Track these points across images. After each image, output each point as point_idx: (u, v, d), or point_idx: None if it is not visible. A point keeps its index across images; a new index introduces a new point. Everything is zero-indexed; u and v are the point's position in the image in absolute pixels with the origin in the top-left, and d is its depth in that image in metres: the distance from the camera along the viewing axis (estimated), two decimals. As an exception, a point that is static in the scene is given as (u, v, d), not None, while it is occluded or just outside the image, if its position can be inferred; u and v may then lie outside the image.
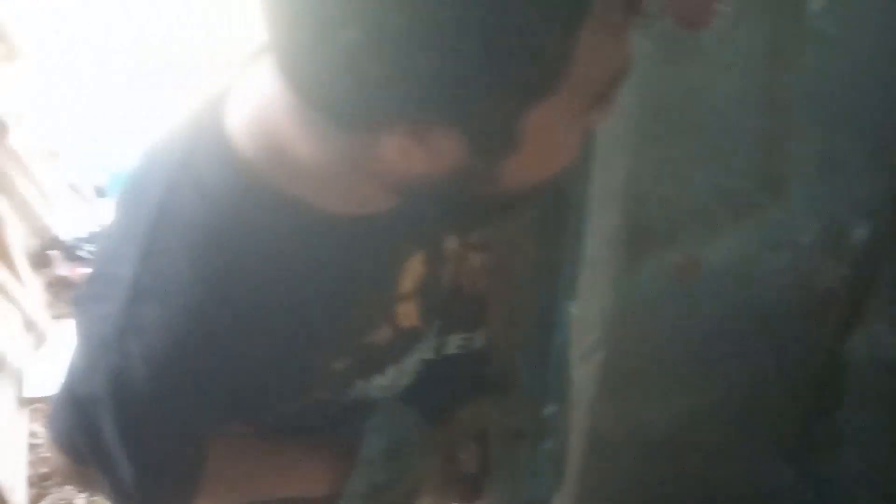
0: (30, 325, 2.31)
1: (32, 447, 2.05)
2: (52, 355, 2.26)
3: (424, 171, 0.44)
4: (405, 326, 0.68)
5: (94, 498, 2.01)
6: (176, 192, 0.53)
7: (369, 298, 0.62)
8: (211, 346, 0.53)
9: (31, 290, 2.32)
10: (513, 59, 0.37)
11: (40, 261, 2.68)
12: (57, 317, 2.48)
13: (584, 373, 0.70)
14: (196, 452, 0.61)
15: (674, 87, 0.57)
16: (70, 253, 2.68)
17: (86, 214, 2.85)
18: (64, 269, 2.64)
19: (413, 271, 0.65)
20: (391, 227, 0.57)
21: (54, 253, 2.68)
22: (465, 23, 0.34)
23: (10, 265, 2.22)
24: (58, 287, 2.63)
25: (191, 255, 0.52)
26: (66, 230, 2.77)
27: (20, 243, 2.61)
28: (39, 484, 2.01)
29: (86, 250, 2.69)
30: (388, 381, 0.71)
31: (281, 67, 0.42)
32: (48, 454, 2.05)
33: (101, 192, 3.09)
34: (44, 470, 2.01)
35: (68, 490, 2.00)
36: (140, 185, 0.58)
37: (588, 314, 0.65)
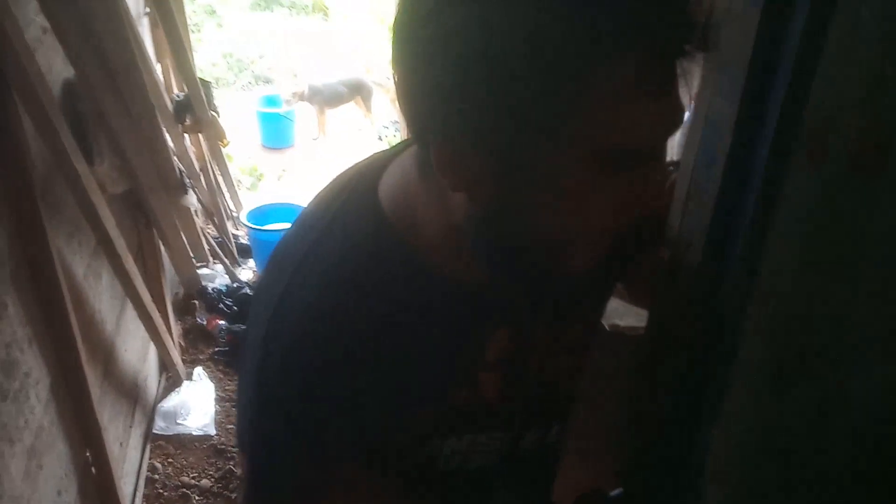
0: (167, 367, 2.51)
1: (149, 481, 2.19)
2: (183, 398, 2.44)
3: (465, 196, 0.53)
4: (485, 395, 0.70)
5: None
6: (326, 236, 0.61)
7: (459, 357, 0.66)
8: (328, 364, 0.59)
9: (173, 336, 2.54)
10: (524, 100, 0.46)
11: (183, 309, 2.95)
12: (191, 362, 2.69)
13: (715, 498, 0.69)
14: (316, 472, 0.63)
15: (839, 219, 0.58)
16: (211, 304, 2.92)
17: (229, 270, 3.12)
18: (203, 319, 2.88)
19: (499, 343, 0.68)
20: (483, 295, 0.63)
21: (197, 303, 2.94)
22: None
23: (161, 310, 2.46)
24: (195, 335, 2.86)
25: (327, 280, 0.59)
26: (210, 283, 3.04)
27: (170, 291, 2.89)
28: (152, 518, 2.14)
29: (225, 303, 2.92)
30: (462, 446, 0.73)
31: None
32: (163, 490, 2.20)
33: (244, 252, 3.40)
34: (157, 505, 2.14)
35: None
36: (294, 237, 0.65)
37: (726, 439, 0.65)
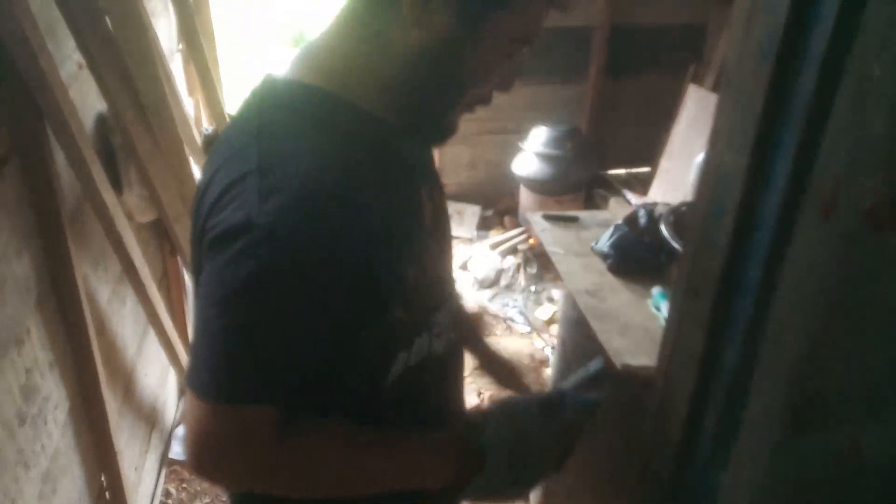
0: (185, 392, 2.54)
1: (163, 506, 2.20)
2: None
3: (424, 36, 0.66)
4: (428, 267, 0.78)
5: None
6: (271, 117, 0.68)
7: (413, 221, 0.76)
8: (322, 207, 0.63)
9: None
10: None
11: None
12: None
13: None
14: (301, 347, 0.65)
15: (851, 274, 0.58)
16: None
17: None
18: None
19: (426, 203, 0.79)
20: (407, 131, 0.74)
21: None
22: None
23: (183, 335, 2.49)
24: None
25: (300, 136, 0.67)
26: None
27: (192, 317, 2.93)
28: (162, 544, 2.14)
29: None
30: (430, 331, 0.80)
31: None
32: (175, 517, 2.20)
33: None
34: (168, 531, 2.13)
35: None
36: (234, 127, 0.72)
37: (738, 486, 0.64)
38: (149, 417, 2.19)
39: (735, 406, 0.65)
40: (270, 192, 0.61)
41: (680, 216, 1.78)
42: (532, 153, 3.39)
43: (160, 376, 2.33)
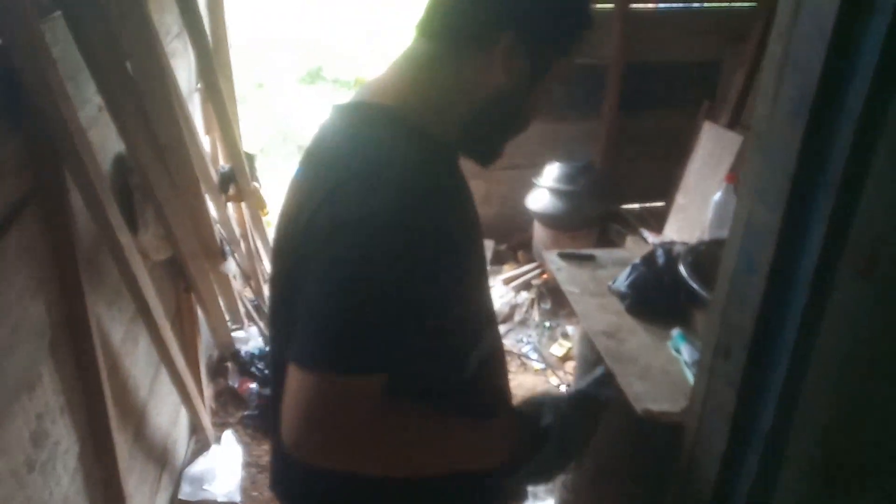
0: (196, 431, 2.51)
1: (172, 550, 2.15)
2: (210, 463, 2.42)
3: (506, 80, 0.77)
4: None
5: None
6: (361, 134, 0.75)
7: (476, 229, 0.87)
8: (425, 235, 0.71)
9: (205, 398, 2.54)
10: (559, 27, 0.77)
11: (216, 371, 2.96)
12: (220, 425, 2.68)
13: None
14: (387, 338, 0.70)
15: (884, 332, 0.56)
16: (243, 367, 2.93)
17: (263, 334, 3.14)
18: (235, 382, 2.88)
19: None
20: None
21: (230, 365, 2.95)
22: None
23: (195, 373, 2.47)
24: (226, 397, 2.86)
25: (391, 149, 0.74)
26: (244, 346, 3.06)
27: (205, 353, 2.92)
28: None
29: (257, 367, 2.92)
30: (491, 336, 0.93)
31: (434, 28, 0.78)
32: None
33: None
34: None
35: None
36: (324, 144, 0.80)
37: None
38: (159, 458, 2.16)
39: (769, 468, 0.62)
40: (375, 191, 0.69)
41: (698, 255, 1.75)
42: (546, 188, 3.39)
43: (171, 415, 2.31)
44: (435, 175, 0.73)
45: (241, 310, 3.07)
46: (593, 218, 3.45)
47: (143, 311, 1.76)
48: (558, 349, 3.27)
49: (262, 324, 3.22)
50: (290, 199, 0.80)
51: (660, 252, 1.77)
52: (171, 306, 2.36)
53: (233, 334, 3.06)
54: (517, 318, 3.50)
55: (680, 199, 2.92)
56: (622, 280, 1.78)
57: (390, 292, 0.68)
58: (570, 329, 3.38)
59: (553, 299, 3.54)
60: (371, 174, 0.70)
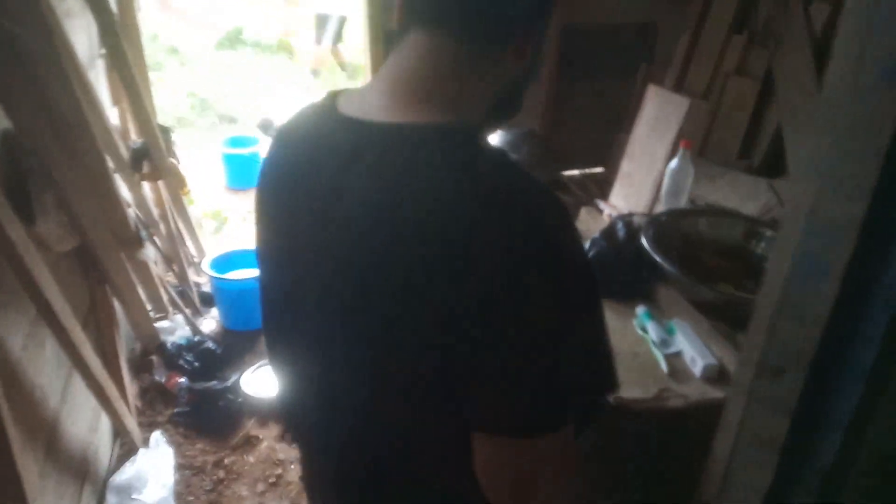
0: (120, 434, 2.29)
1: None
2: (139, 469, 2.21)
3: (518, 67, 0.75)
4: None
5: None
6: (454, 160, 0.66)
7: None
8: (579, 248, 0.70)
9: (128, 398, 2.31)
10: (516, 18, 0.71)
11: (141, 366, 2.72)
12: (148, 425, 2.46)
13: None
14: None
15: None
16: (170, 361, 2.70)
17: (190, 322, 2.90)
18: (162, 376, 2.65)
19: None
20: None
21: (155, 359, 2.71)
22: None
23: (115, 372, 2.24)
24: (153, 394, 2.63)
25: (492, 166, 0.68)
26: (170, 336, 2.82)
27: (125, 348, 2.67)
28: None
29: (185, 359, 2.70)
30: None
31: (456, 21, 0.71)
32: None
33: (207, 300, 3.18)
34: None
35: None
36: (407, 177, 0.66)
37: None
38: (78, 470, 1.94)
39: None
40: (526, 219, 0.61)
41: (660, 227, 1.67)
42: (488, 158, 3.26)
43: (90, 421, 2.08)
44: (540, 184, 0.66)
45: (165, 298, 2.82)
46: (537, 187, 3.35)
47: (46, 312, 1.53)
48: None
49: (188, 311, 2.98)
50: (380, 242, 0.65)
51: (620, 225, 1.67)
52: (82, 301, 2.11)
53: (157, 325, 2.82)
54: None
55: (625, 165, 2.84)
56: (581, 256, 1.68)
57: (581, 329, 0.65)
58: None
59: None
60: (502, 202, 0.61)
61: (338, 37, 6.22)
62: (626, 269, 1.61)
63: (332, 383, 0.77)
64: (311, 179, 0.72)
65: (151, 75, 5.98)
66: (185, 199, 3.01)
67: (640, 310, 1.53)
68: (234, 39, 6.94)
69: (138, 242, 2.09)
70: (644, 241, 1.57)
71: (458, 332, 0.59)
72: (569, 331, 0.62)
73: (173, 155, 2.57)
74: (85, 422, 2.02)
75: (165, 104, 5.42)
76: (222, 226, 3.80)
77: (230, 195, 4.40)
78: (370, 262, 0.64)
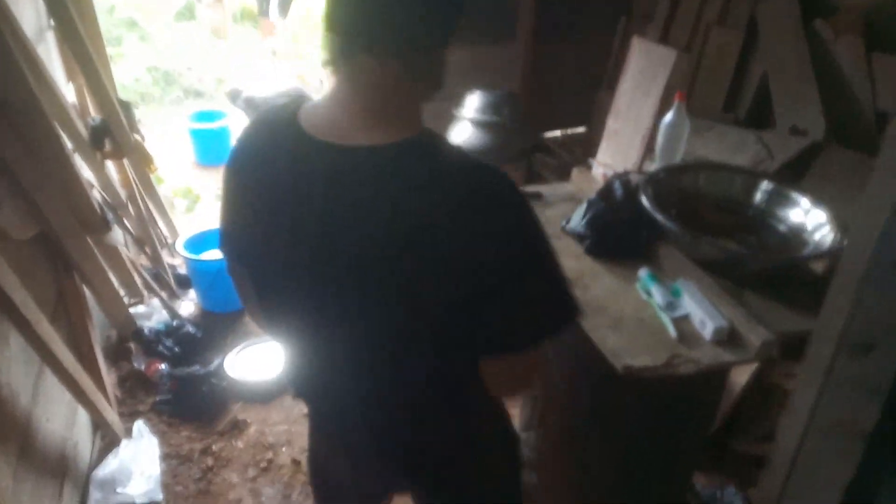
0: (101, 426, 2.19)
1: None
2: (122, 461, 2.11)
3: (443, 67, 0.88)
4: None
5: None
6: (438, 161, 0.84)
7: None
8: None
9: (106, 390, 2.21)
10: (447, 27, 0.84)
11: (118, 354, 2.61)
12: (129, 415, 2.37)
13: None
14: None
15: None
16: (149, 347, 2.59)
17: (167, 305, 2.79)
18: (141, 364, 2.55)
19: None
20: None
21: (132, 345, 2.60)
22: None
23: (90, 363, 2.13)
24: (133, 383, 2.53)
25: (479, 168, 0.85)
26: (147, 322, 2.71)
27: (99, 336, 2.55)
28: None
29: (164, 345, 2.59)
30: None
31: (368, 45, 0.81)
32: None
33: (183, 282, 3.06)
34: None
35: None
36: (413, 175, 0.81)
37: None
38: (57, 468, 1.85)
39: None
40: (506, 184, 0.82)
41: (658, 185, 1.59)
42: (468, 120, 3.14)
43: (67, 416, 1.98)
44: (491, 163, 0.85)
45: (139, 282, 2.70)
46: (521, 151, 3.25)
47: (6, 306, 1.41)
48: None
49: (164, 295, 2.86)
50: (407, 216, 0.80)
51: (617, 185, 1.59)
52: (49, 291, 1.99)
53: (132, 311, 2.70)
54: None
55: (611, 123, 2.75)
56: (578, 219, 1.60)
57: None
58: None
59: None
60: (489, 177, 0.81)
61: (284, 9, 5.87)
62: (626, 230, 1.53)
63: (363, 342, 0.91)
64: (302, 201, 0.84)
65: (110, 50, 5.72)
66: (153, 178, 2.87)
67: (643, 272, 1.46)
68: (193, 9, 6.65)
69: (105, 226, 1.97)
70: (643, 200, 1.49)
71: (481, 278, 0.80)
72: (553, 260, 0.87)
73: (137, 131, 2.42)
74: (61, 417, 1.92)
75: (127, 80, 5.19)
76: (194, 204, 3.65)
77: (200, 171, 4.24)
78: (399, 253, 0.80)
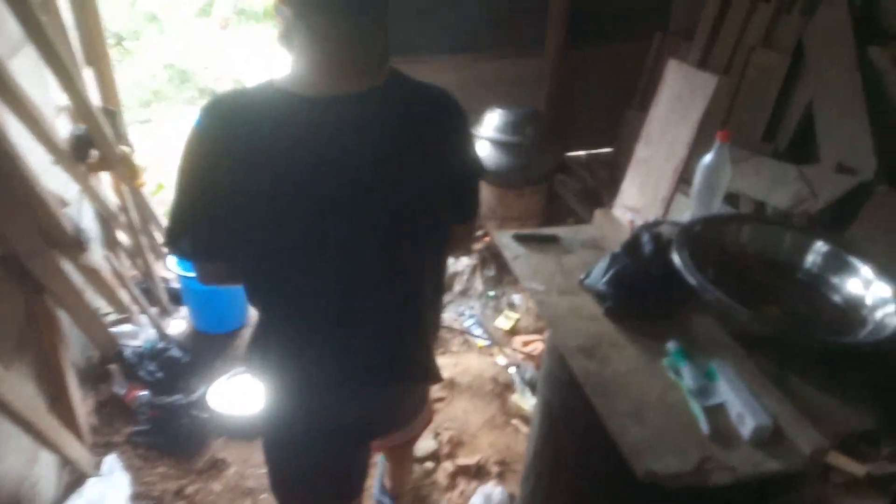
0: (70, 462, 2.01)
1: None
2: (89, 501, 1.94)
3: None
4: None
5: None
6: (403, 89, 1.08)
7: None
8: None
9: (76, 419, 2.04)
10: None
11: (99, 376, 2.44)
12: (104, 446, 2.20)
13: None
14: None
15: None
16: (131, 371, 2.42)
17: (156, 323, 2.62)
18: (122, 388, 2.38)
19: None
20: None
21: (113, 368, 2.43)
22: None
23: (57, 389, 1.96)
24: (112, 409, 2.35)
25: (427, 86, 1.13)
26: (133, 341, 2.54)
27: (81, 357, 2.38)
28: None
29: (147, 370, 2.42)
30: None
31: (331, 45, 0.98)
32: None
33: (177, 298, 2.89)
34: None
35: None
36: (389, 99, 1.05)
37: None
38: (11, 512, 1.67)
39: None
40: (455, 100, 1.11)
41: (695, 240, 1.37)
42: (487, 140, 2.94)
43: (28, 452, 1.80)
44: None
45: (127, 297, 2.53)
46: (542, 174, 3.04)
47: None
48: (504, 322, 2.91)
49: (154, 311, 2.70)
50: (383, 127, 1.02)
51: (646, 238, 1.37)
52: (16, 315, 1.82)
53: (119, 329, 2.53)
54: (458, 287, 3.10)
55: (640, 150, 2.53)
56: (599, 274, 1.38)
57: None
58: (516, 298, 3.02)
59: (497, 265, 3.15)
60: (446, 94, 1.11)
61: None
62: (654, 290, 1.31)
63: (379, 259, 1.07)
64: (319, 144, 0.96)
65: (129, 45, 5.60)
66: (151, 186, 2.70)
67: (672, 346, 1.24)
68: (213, 5, 6.52)
69: (79, 246, 1.79)
70: (676, 258, 1.28)
71: (452, 173, 1.11)
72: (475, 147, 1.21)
73: (125, 141, 2.25)
74: (19, 454, 1.75)
75: (143, 76, 5.07)
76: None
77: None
78: (402, 172, 1.03)
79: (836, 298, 1.30)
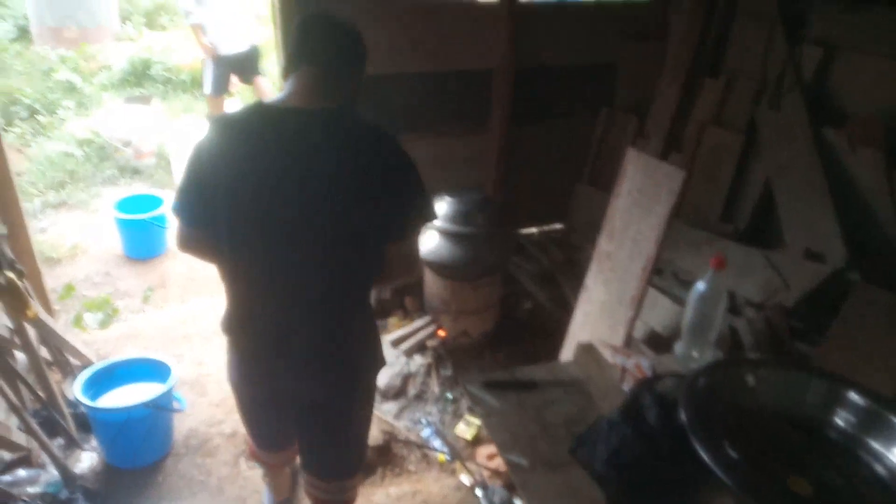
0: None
1: None
2: None
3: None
4: None
5: None
6: (350, 127, 1.37)
7: None
8: None
9: None
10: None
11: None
12: None
13: None
14: None
15: None
16: None
17: (59, 463, 2.22)
18: None
19: None
20: None
21: None
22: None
23: None
24: None
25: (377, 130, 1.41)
26: (31, 488, 2.13)
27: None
28: None
29: None
30: None
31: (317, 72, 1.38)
32: None
33: (86, 425, 2.50)
34: None
35: None
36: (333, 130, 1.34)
37: None
38: None
39: None
40: (395, 143, 1.36)
41: (702, 397, 1.15)
42: (437, 231, 2.71)
43: None
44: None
45: (23, 432, 2.14)
46: (497, 264, 2.83)
47: None
48: (465, 429, 2.63)
49: (57, 444, 2.30)
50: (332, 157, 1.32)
51: (648, 400, 1.15)
52: None
53: (15, 474, 2.13)
54: (412, 391, 2.81)
55: (604, 243, 2.35)
56: (592, 443, 1.15)
57: None
58: (475, 400, 2.75)
59: (454, 362, 2.90)
60: (390, 139, 1.36)
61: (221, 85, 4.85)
62: (666, 472, 1.08)
63: (310, 261, 1.36)
64: (280, 145, 1.31)
65: (43, 119, 5.18)
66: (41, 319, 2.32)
67: (695, 546, 1.00)
68: (140, 75, 6.19)
69: None
70: (692, 438, 1.05)
71: (394, 200, 1.33)
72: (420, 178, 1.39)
73: (9, 267, 1.91)
74: None
75: (56, 156, 4.66)
76: (110, 319, 3.09)
77: (128, 266, 3.68)
78: (342, 176, 1.31)
79: (879, 469, 1.10)
